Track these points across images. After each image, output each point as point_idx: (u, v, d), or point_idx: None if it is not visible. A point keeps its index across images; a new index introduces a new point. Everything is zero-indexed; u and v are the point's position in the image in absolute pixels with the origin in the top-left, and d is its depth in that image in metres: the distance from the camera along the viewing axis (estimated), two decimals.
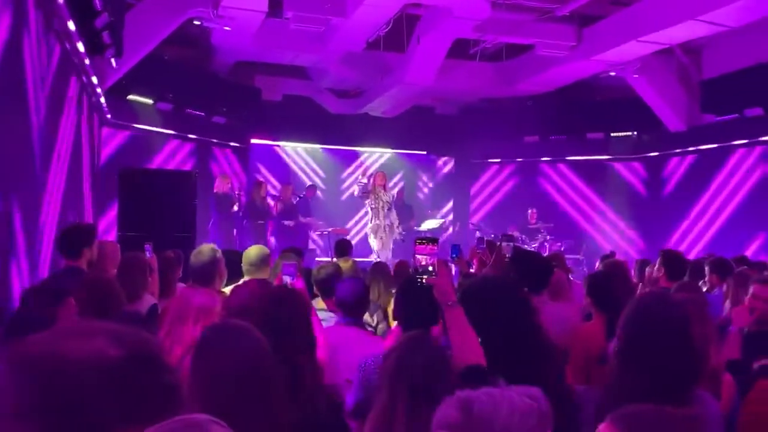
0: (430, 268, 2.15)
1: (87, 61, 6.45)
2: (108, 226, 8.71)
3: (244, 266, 3.85)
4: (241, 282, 3.43)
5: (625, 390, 1.95)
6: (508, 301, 2.29)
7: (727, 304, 4.11)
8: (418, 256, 2.18)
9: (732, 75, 9.82)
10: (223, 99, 11.05)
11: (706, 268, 4.95)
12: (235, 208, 9.81)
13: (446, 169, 14.99)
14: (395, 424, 1.76)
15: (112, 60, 6.96)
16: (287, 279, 3.03)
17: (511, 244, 3.87)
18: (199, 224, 8.17)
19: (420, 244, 2.20)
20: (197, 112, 10.74)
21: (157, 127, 10.27)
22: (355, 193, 10.97)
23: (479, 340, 2.08)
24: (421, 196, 14.36)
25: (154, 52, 8.93)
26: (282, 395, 1.82)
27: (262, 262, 3.83)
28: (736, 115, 10.11)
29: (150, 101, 9.90)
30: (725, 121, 10.44)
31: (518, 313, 2.27)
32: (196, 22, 9.20)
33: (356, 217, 13.17)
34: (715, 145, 11.07)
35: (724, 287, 4.35)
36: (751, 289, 3.25)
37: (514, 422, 1.18)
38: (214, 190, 9.87)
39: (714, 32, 8.74)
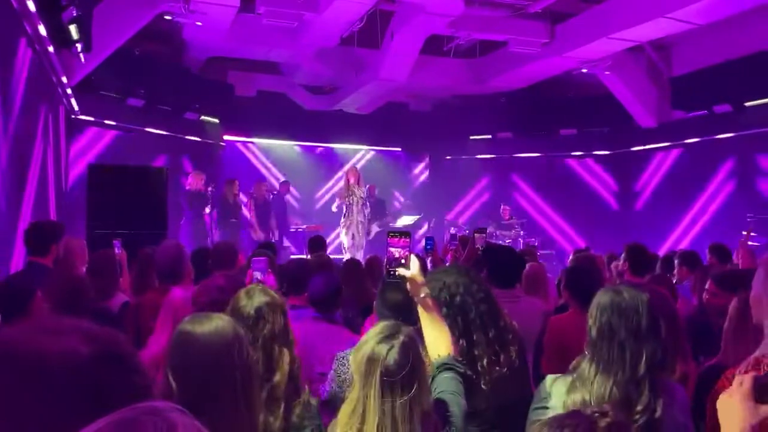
0: (403, 261, 2.15)
1: (54, 56, 6.33)
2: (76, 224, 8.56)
3: (213, 264, 3.81)
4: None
5: (590, 375, 1.98)
6: (468, 286, 2.41)
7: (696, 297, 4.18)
8: (391, 249, 2.18)
9: (701, 72, 9.99)
10: (195, 95, 10.92)
11: (676, 261, 5.03)
12: (207, 210, 9.69)
13: (421, 166, 15.02)
14: (367, 416, 1.76)
15: (81, 55, 6.83)
16: (258, 275, 3.00)
17: (484, 236, 3.89)
18: (171, 221, 8.08)
19: (393, 237, 2.21)
20: (169, 108, 10.59)
21: (127, 123, 10.11)
22: (334, 208, 10.98)
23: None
24: (396, 192, 14.35)
25: (124, 47, 8.78)
26: (257, 389, 1.80)
27: (231, 258, 3.79)
28: (705, 111, 10.29)
29: (120, 97, 9.74)
30: (695, 117, 10.63)
31: (479, 297, 2.41)
32: (168, 17, 9.07)
33: (331, 214, 13.13)
34: (685, 141, 11.26)
35: (692, 280, 4.43)
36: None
37: None
38: (187, 188, 9.76)
39: (683, 30, 8.87)
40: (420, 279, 2.13)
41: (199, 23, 9.03)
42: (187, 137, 11.37)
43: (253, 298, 2.22)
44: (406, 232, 2.26)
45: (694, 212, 10.91)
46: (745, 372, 1.91)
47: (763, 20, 9.00)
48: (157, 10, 8.59)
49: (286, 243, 11.08)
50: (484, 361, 2.42)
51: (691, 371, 2.72)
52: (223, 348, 1.71)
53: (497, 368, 2.44)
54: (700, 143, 11.02)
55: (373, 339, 1.82)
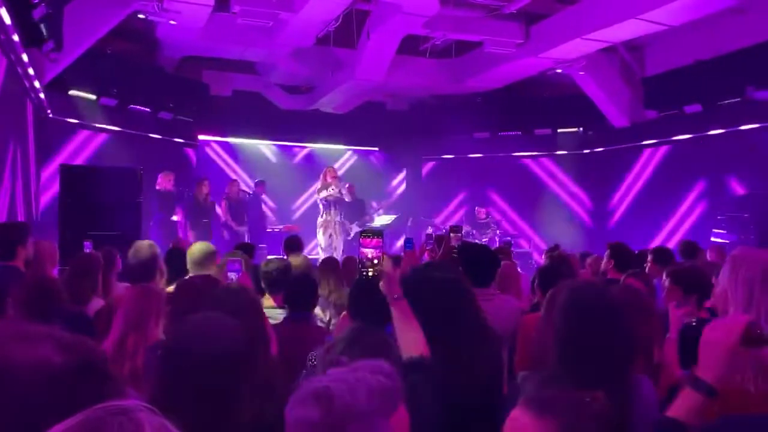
0: (376, 261, 2.15)
1: (24, 55, 6.22)
2: (47, 226, 8.42)
3: (189, 264, 3.78)
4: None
5: (561, 375, 2.00)
6: (445, 282, 2.42)
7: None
8: (364, 250, 2.17)
9: (673, 72, 10.16)
10: (169, 94, 10.81)
11: (649, 257, 5.11)
12: (175, 218, 9.57)
13: (400, 171, 15.04)
14: None
15: (51, 54, 6.73)
16: (233, 276, 2.99)
17: (460, 234, 3.90)
18: (145, 222, 7.99)
19: (365, 237, 2.20)
20: (143, 108, 10.46)
21: (100, 123, 9.98)
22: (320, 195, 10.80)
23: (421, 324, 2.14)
24: (374, 191, 14.34)
25: (96, 46, 8.68)
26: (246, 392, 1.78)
27: (207, 259, 3.77)
28: (677, 111, 10.46)
29: (93, 97, 9.61)
30: (667, 116, 10.80)
31: (455, 295, 2.42)
32: (141, 16, 8.97)
33: (309, 215, 13.09)
34: (657, 140, 11.44)
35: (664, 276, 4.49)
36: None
37: (374, 404, 1.17)
38: (157, 188, 9.65)
39: (655, 31, 9.00)
40: (393, 279, 2.13)
41: (173, 22, 8.94)
42: (161, 137, 11.25)
43: (231, 295, 2.22)
44: (378, 232, 2.25)
45: (668, 211, 11.07)
46: None
47: (732, 22, 9.18)
48: (129, 8, 8.49)
49: (262, 244, 11.00)
50: (458, 358, 2.44)
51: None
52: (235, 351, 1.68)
53: (470, 365, 2.46)
54: (672, 143, 11.19)
55: (344, 336, 1.84)
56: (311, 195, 12.74)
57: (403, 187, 14.99)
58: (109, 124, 10.12)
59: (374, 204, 13.01)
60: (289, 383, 2.64)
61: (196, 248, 3.84)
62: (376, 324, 2.38)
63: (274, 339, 2.56)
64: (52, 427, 0.77)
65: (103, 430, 0.73)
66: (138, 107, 10.36)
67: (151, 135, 11.01)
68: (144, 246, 3.58)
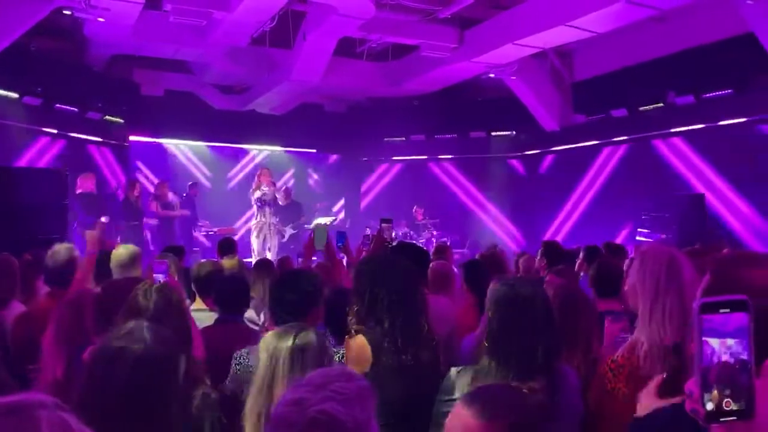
0: None
1: None
2: None
3: (113, 267, 3.67)
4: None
5: (492, 368, 2.06)
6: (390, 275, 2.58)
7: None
8: None
9: (600, 78, 10.55)
10: (98, 94, 10.47)
11: (580, 254, 5.29)
12: (104, 219, 9.26)
13: (336, 167, 15.03)
14: (274, 390, 1.76)
15: None
16: (159, 277, 2.93)
17: (390, 225, 3.97)
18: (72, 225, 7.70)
19: None
20: (70, 108, 10.09)
21: (23, 122, 9.55)
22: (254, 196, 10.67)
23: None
24: (311, 193, 14.29)
25: (18, 42, 8.32)
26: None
27: (132, 262, 3.67)
28: (604, 115, 10.87)
29: (15, 95, 9.20)
30: (594, 120, 11.20)
31: (398, 287, 2.56)
32: (67, 12, 8.65)
33: (244, 217, 12.93)
34: (586, 144, 11.84)
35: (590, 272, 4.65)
36: None
37: (366, 409, 1.21)
38: (78, 191, 9.28)
39: (583, 37, 9.30)
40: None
41: (102, 19, 8.65)
42: (89, 137, 10.87)
43: (150, 295, 2.18)
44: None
45: (596, 210, 11.47)
46: (622, 356, 2.04)
47: (654, 30, 9.60)
48: (53, 4, 8.17)
49: (196, 247, 10.79)
50: (394, 350, 2.49)
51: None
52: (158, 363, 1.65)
53: (406, 360, 2.50)
54: (599, 146, 11.60)
55: (277, 332, 1.85)
56: (247, 198, 12.59)
57: (341, 175, 14.93)
58: (33, 124, 9.71)
59: (317, 205, 13.00)
60: (216, 384, 2.63)
61: (121, 251, 3.74)
62: (299, 317, 2.41)
63: (200, 341, 2.53)
64: None
65: None
66: (65, 107, 9.98)
67: (78, 135, 10.63)
68: (63, 249, 3.46)
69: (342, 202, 14.66)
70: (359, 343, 2.51)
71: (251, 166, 13.75)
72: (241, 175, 13.72)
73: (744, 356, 0.92)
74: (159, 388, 1.63)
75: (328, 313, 2.82)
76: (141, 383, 1.60)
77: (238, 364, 2.63)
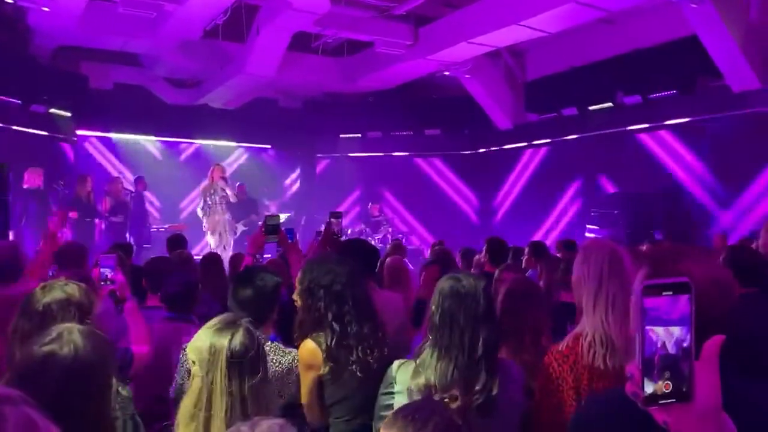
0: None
1: None
2: None
3: (59, 264, 3.57)
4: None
5: (432, 359, 2.08)
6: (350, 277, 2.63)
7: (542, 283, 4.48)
8: None
9: (551, 77, 10.75)
10: (43, 86, 10.09)
11: (525, 250, 5.38)
12: (71, 214, 8.97)
13: (293, 167, 14.91)
14: (214, 401, 1.72)
15: None
16: (106, 272, 2.86)
17: (339, 220, 3.98)
18: (15, 222, 7.43)
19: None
20: (11, 99, 9.72)
21: None
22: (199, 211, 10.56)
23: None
24: (266, 189, 14.13)
25: None
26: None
27: (78, 258, 3.58)
28: (555, 114, 11.08)
29: None
30: (546, 119, 11.41)
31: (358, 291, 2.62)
32: (9, 0, 8.34)
33: (196, 213, 12.70)
34: (538, 141, 12.05)
35: (539, 268, 4.75)
36: None
37: None
38: (25, 186, 8.98)
39: (535, 37, 9.46)
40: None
41: (46, 9, 8.38)
42: (33, 131, 10.49)
43: (47, 294, 2.11)
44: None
45: (547, 208, 11.69)
46: (566, 348, 2.09)
47: (603, 31, 9.84)
48: None
49: (147, 244, 10.55)
50: (358, 351, 2.50)
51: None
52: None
53: (358, 358, 2.52)
54: (550, 144, 11.83)
55: (213, 327, 1.81)
56: (198, 194, 12.39)
57: (297, 185, 14.87)
58: None
59: (266, 202, 12.86)
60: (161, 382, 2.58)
61: (66, 248, 3.64)
62: (257, 314, 2.40)
63: (145, 338, 2.48)
64: None
65: None
66: (6, 98, 9.62)
67: (21, 129, 10.25)
68: (5, 246, 3.35)
69: (297, 198, 14.54)
70: (309, 347, 2.55)
71: (206, 162, 13.51)
72: (194, 172, 13.45)
73: (686, 343, 0.93)
74: (90, 394, 1.59)
75: (281, 318, 2.79)
76: (71, 390, 1.56)
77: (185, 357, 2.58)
